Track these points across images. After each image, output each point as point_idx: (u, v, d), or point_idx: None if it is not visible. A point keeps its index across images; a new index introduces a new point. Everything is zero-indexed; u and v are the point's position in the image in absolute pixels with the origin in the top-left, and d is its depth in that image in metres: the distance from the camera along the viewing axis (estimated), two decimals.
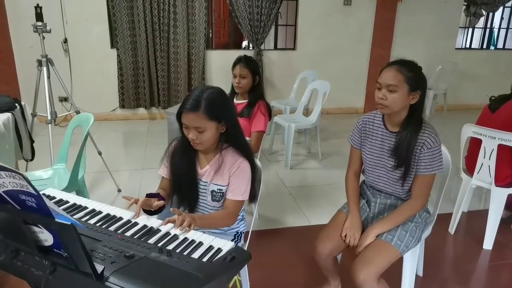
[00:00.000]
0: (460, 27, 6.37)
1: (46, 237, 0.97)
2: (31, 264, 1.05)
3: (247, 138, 2.52)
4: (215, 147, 1.60)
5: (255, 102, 2.56)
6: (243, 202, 1.62)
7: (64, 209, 1.38)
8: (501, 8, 6.42)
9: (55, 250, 0.99)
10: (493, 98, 2.63)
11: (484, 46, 6.84)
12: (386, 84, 1.61)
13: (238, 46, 6.99)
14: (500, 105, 2.53)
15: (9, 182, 0.91)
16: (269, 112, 2.61)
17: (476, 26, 6.48)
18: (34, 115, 3.12)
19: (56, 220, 0.91)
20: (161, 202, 1.47)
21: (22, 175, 0.87)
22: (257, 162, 1.75)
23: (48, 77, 3.07)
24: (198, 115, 1.45)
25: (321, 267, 1.90)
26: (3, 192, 0.95)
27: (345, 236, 1.74)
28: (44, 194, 0.97)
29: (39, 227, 0.96)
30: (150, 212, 1.45)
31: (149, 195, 1.49)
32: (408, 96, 1.62)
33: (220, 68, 5.47)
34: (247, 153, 1.62)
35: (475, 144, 2.57)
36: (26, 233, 0.98)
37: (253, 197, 1.67)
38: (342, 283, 2.04)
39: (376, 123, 1.80)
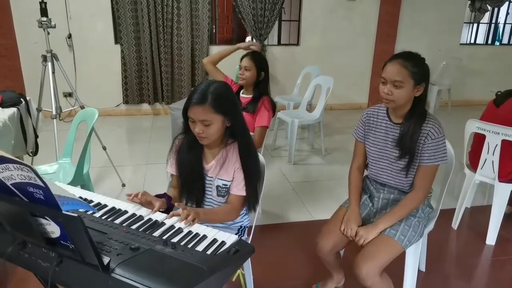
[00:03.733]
0: (465, 23, 6.32)
1: (53, 229, 0.98)
2: (38, 256, 1.06)
3: (251, 134, 2.54)
4: (220, 141, 1.61)
5: (260, 98, 2.59)
6: (246, 197, 1.63)
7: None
8: (507, 3, 6.36)
9: (62, 242, 1.00)
10: (499, 93, 2.62)
11: (489, 42, 6.79)
12: (391, 80, 1.62)
13: (241, 42, 6.96)
14: (505, 100, 2.52)
15: (17, 175, 0.92)
16: (273, 108, 2.63)
17: (481, 21, 6.43)
18: (39, 110, 3.13)
19: (63, 212, 0.93)
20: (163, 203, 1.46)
21: (30, 167, 0.88)
22: (261, 157, 1.76)
23: (53, 73, 3.08)
24: (204, 108, 1.46)
25: (324, 262, 1.92)
26: (11, 184, 0.96)
27: (344, 230, 1.75)
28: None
29: (46, 219, 0.97)
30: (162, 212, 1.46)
31: (157, 196, 1.50)
32: (413, 90, 1.63)
33: (224, 64, 5.45)
34: (252, 148, 1.63)
35: (478, 140, 2.57)
36: (33, 225, 1.00)
37: (254, 197, 1.66)
38: (345, 278, 2.05)
39: (380, 115, 1.81)
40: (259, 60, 2.63)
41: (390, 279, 1.71)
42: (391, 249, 1.65)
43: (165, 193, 1.57)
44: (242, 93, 2.71)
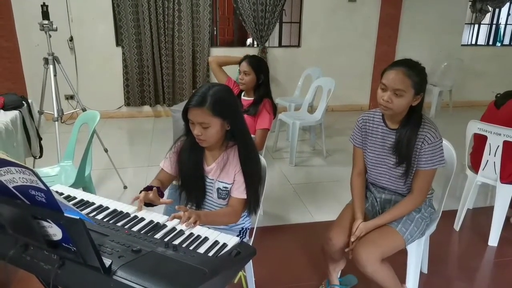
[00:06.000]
0: (466, 23, 6.32)
1: (55, 232, 0.99)
2: (40, 259, 1.06)
3: (252, 136, 2.55)
4: (220, 144, 1.61)
5: (261, 100, 2.60)
6: (247, 200, 1.63)
7: (72, 205, 1.40)
8: (508, 4, 6.36)
9: (63, 244, 1.00)
10: (498, 95, 2.62)
11: (490, 43, 6.78)
12: (393, 88, 1.59)
13: (242, 44, 6.99)
14: (505, 101, 2.51)
15: (19, 178, 0.93)
16: (274, 110, 2.64)
17: (482, 22, 6.43)
18: (41, 112, 3.14)
19: (65, 214, 0.93)
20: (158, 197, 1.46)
21: (32, 170, 0.89)
22: (262, 160, 1.76)
23: (55, 75, 3.09)
24: (203, 110, 1.47)
25: (329, 258, 1.89)
26: (13, 187, 0.97)
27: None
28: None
29: (48, 221, 0.97)
30: (149, 204, 1.45)
31: (147, 189, 1.49)
32: (412, 99, 1.62)
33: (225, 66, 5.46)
34: (252, 151, 1.63)
35: (480, 141, 2.56)
36: (35, 228, 1.00)
37: (255, 200, 1.66)
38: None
39: (376, 121, 1.79)
40: (257, 63, 2.63)
41: (392, 269, 1.68)
42: (392, 239, 1.65)
43: (156, 186, 1.54)
44: (243, 96, 2.72)
